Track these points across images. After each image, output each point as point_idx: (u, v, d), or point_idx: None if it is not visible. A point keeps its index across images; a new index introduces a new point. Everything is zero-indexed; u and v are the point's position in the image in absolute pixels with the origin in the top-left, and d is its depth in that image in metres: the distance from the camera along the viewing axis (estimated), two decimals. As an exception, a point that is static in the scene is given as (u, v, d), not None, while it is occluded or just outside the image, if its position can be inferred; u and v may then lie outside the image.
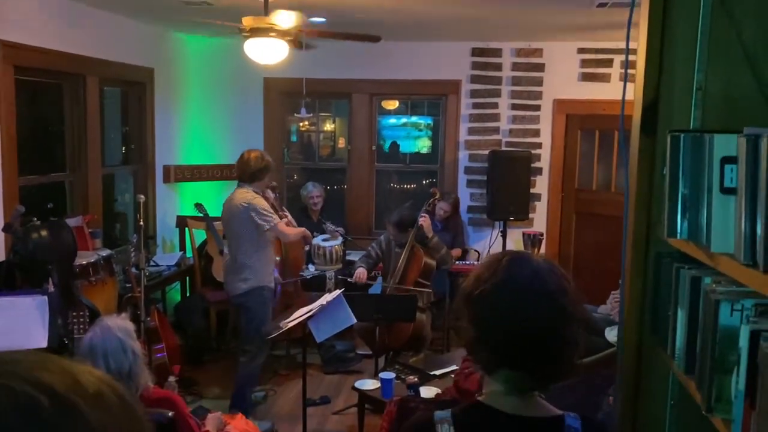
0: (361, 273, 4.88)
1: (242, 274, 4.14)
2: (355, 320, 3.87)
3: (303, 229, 4.57)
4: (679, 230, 1.35)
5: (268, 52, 3.98)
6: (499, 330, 1.19)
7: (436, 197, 5.47)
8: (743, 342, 1.07)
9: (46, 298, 3.10)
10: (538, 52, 5.84)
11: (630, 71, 1.69)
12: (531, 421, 1.22)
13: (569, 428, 1.23)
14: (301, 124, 6.54)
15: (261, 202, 4.12)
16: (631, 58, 1.68)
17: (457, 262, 5.20)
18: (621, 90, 1.66)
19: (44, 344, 3.02)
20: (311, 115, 6.15)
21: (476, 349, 1.24)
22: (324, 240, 5.47)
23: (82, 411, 0.51)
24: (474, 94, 5.95)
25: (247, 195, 4.12)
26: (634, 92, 1.73)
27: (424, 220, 4.81)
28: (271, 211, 4.17)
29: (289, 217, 4.82)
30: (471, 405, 1.27)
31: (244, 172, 4.17)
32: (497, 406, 1.23)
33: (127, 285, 4.45)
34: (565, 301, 1.19)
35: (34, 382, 0.51)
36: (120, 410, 0.55)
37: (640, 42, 1.70)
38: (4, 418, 0.48)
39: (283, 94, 6.18)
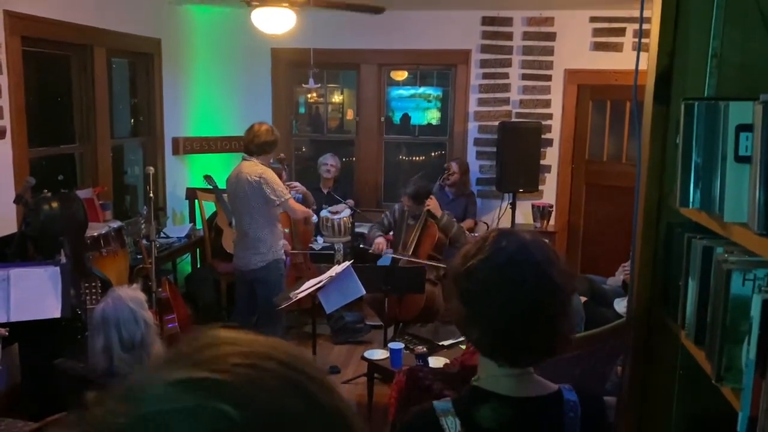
0: (380, 243, 4.90)
1: (257, 249, 4.11)
2: (364, 291, 3.89)
3: (308, 210, 4.56)
4: (691, 200, 1.34)
5: (275, 22, 3.94)
6: (488, 305, 1.18)
7: (450, 172, 5.46)
8: (755, 311, 1.06)
9: (58, 269, 3.14)
10: (549, 21, 5.75)
11: (643, 40, 1.66)
12: (531, 401, 1.21)
13: (568, 402, 1.22)
14: (309, 95, 6.50)
15: (272, 176, 4.08)
16: (644, 26, 1.65)
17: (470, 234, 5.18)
18: (633, 59, 1.63)
19: (58, 314, 3.07)
20: (319, 85, 6.10)
21: (467, 328, 1.23)
22: (332, 212, 5.47)
23: (334, 391, 0.53)
24: (484, 64, 5.88)
25: (257, 168, 4.06)
26: (648, 60, 1.70)
27: (430, 202, 4.76)
28: (282, 185, 4.14)
29: (299, 186, 4.83)
30: (469, 391, 1.25)
31: (253, 143, 4.10)
32: (495, 389, 1.22)
33: (138, 256, 4.49)
34: (552, 271, 1.18)
35: (289, 366, 0.51)
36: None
37: (654, 9, 1.67)
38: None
39: (291, 65, 6.13)
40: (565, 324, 1.22)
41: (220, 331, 0.54)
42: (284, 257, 4.31)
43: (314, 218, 5.11)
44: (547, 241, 1.30)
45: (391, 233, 5.04)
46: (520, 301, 1.16)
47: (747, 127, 1.16)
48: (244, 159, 4.17)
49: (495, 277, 1.18)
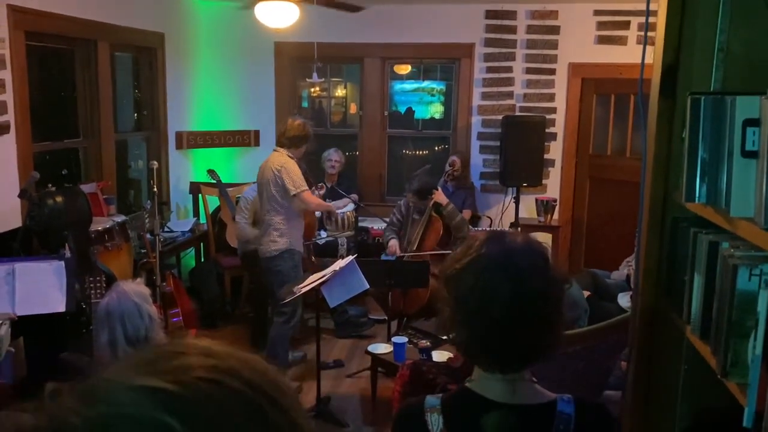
0: (393, 245, 4.89)
1: (271, 236, 4.20)
2: (368, 286, 3.89)
3: (330, 204, 4.62)
4: (697, 194, 1.33)
5: (278, 16, 3.94)
6: (468, 310, 1.17)
7: (455, 168, 5.45)
8: (762, 306, 1.06)
9: (63, 263, 3.14)
10: (553, 14, 5.72)
11: (649, 33, 1.65)
12: (520, 409, 1.17)
13: (561, 414, 1.17)
14: (312, 89, 6.49)
15: (294, 167, 4.18)
16: (650, 19, 1.64)
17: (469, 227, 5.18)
18: (638, 53, 1.63)
19: (63, 308, 3.08)
20: (322, 79, 6.09)
21: (453, 330, 1.22)
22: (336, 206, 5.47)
23: (297, 418, 0.53)
24: (488, 57, 5.86)
25: (281, 158, 4.18)
26: (654, 54, 1.69)
27: (435, 193, 4.77)
28: (302, 178, 4.20)
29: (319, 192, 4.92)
30: (460, 391, 1.24)
31: (284, 136, 4.23)
32: (485, 393, 1.19)
33: (142, 251, 4.49)
34: (534, 280, 1.15)
35: (254, 386, 0.51)
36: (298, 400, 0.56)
37: (660, 2, 1.66)
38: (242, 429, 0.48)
39: (294, 59, 6.12)
40: (548, 332, 1.18)
41: (199, 339, 0.53)
42: (301, 250, 4.35)
43: (317, 212, 5.11)
44: (542, 244, 1.26)
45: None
46: (499, 308, 1.14)
47: (754, 122, 1.15)
48: (274, 150, 4.30)
49: (474, 283, 1.16)
